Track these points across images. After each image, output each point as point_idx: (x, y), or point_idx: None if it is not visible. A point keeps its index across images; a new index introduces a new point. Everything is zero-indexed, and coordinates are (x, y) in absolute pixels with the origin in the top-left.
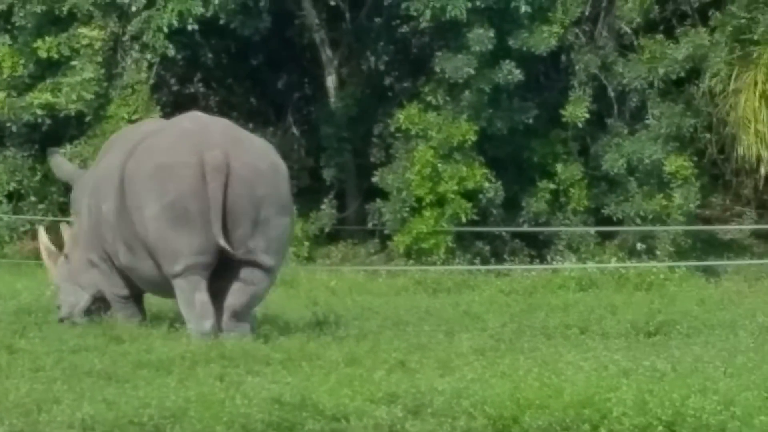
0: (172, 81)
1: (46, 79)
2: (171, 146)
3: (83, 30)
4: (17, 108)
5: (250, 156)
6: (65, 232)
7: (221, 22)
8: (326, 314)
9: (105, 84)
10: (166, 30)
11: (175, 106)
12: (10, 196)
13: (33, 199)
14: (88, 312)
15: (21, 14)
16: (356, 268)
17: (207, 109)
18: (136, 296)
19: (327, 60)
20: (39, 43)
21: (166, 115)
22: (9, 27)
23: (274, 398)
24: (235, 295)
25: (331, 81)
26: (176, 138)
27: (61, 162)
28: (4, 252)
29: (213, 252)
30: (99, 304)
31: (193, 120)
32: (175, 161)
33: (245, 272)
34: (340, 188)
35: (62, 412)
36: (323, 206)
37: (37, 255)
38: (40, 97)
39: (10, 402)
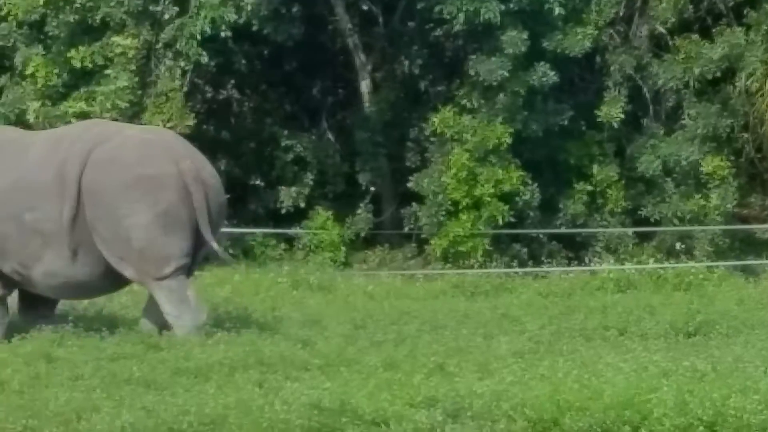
0: (206, 88)
1: (80, 88)
2: (144, 157)
3: (116, 39)
4: (52, 117)
5: (206, 165)
6: None
7: (254, 28)
8: (364, 319)
9: (139, 92)
10: (199, 37)
11: (209, 113)
12: None
13: None
14: None
15: (54, 24)
16: (393, 272)
17: (241, 116)
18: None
19: (360, 65)
20: (73, 52)
21: (200, 122)
22: (42, 37)
23: (313, 404)
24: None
25: (365, 86)
26: (144, 149)
27: None
28: None
29: (195, 253)
30: None
31: (144, 129)
32: (160, 172)
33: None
34: (375, 193)
35: (102, 421)
36: (359, 211)
37: None
38: (74, 106)
39: (49, 411)
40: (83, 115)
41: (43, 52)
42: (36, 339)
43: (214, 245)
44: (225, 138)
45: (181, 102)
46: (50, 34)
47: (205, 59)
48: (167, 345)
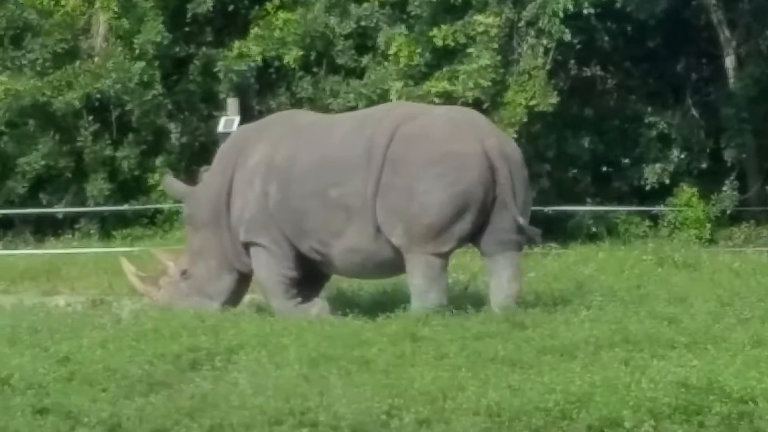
0: (570, 66)
1: (442, 67)
2: (451, 135)
3: (479, 17)
4: (414, 97)
5: (510, 142)
6: (161, 255)
7: (617, 5)
8: (730, 296)
9: (501, 70)
10: (561, 15)
11: (571, 91)
12: None
13: None
14: None
15: (416, 3)
16: (760, 249)
17: (605, 93)
18: (299, 281)
19: (725, 41)
20: (435, 31)
21: (563, 100)
22: (404, 17)
23: (680, 382)
24: (513, 285)
25: (729, 62)
26: (452, 127)
27: (171, 182)
28: None
29: (473, 234)
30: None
31: (451, 109)
32: (466, 150)
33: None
34: (741, 169)
35: (467, 399)
36: (724, 188)
37: None
38: (436, 85)
39: (415, 390)
40: (445, 95)
41: (406, 32)
42: (401, 318)
43: (520, 219)
44: (588, 116)
45: (543, 80)
46: (412, 13)
47: (568, 37)
48: (532, 323)
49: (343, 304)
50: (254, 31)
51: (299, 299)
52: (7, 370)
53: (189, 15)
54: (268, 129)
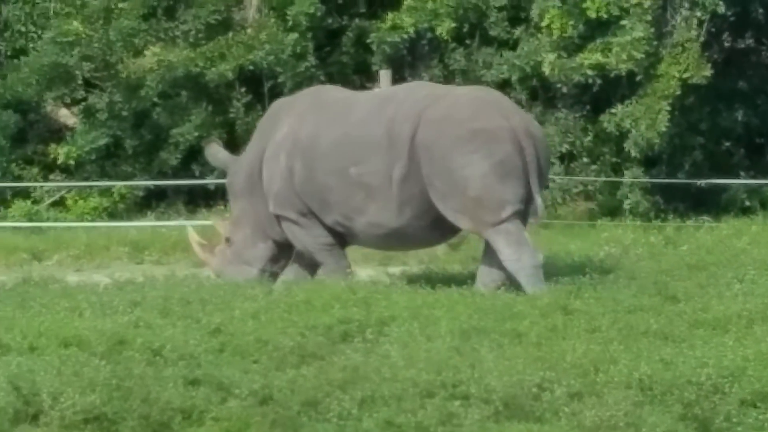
0: (723, 38)
1: (596, 39)
2: (477, 113)
3: None
4: (567, 69)
5: (533, 121)
6: (218, 224)
7: None
8: None
9: (655, 43)
10: None
11: (726, 63)
12: (562, 158)
13: (585, 160)
14: None
15: None
16: None
17: (759, 66)
18: (339, 244)
19: None
20: (588, 3)
21: (717, 72)
22: None
23: None
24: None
25: None
26: (477, 105)
27: (216, 150)
28: (557, 213)
29: (526, 202)
30: (267, 275)
31: (473, 88)
32: (493, 126)
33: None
34: None
35: (619, 372)
36: None
37: (590, 216)
38: (590, 57)
39: (567, 362)
40: (598, 67)
41: (559, 4)
42: (553, 291)
43: (538, 199)
44: (742, 88)
45: (697, 52)
46: None
47: (722, 9)
48: (684, 297)
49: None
50: (407, 2)
51: (346, 261)
52: (160, 341)
53: None
54: (297, 104)
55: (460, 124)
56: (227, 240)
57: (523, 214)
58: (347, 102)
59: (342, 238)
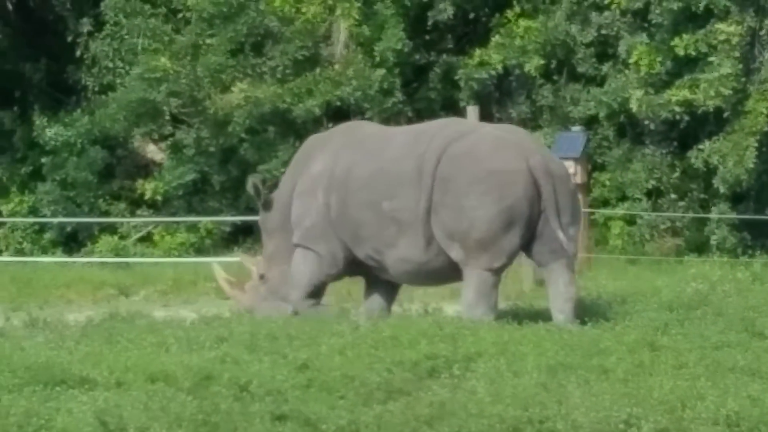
0: None
1: (683, 75)
2: (496, 153)
3: (720, 26)
4: (655, 105)
5: (554, 159)
6: (247, 260)
7: None
8: None
9: (743, 79)
10: None
11: None
12: (649, 194)
13: (672, 196)
14: None
15: (657, 12)
16: None
17: None
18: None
19: None
20: (676, 40)
21: None
22: (646, 25)
23: None
24: (569, 288)
25: None
26: (498, 145)
27: (256, 185)
28: (644, 250)
29: (527, 245)
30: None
31: (498, 127)
32: (510, 168)
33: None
34: None
35: (706, 409)
36: None
37: (677, 252)
38: (677, 94)
39: (654, 399)
40: (686, 104)
41: (647, 40)
42: (639, 327)
43: (560, 234)
44: None
45: None
46: (653, 22)
47: None
48: None
49: (581, 312)
50: (495, 39)
51: (315, 301)
52: (246, 376)
53: (429, 22)
54: (332, 139)
55: (479, 162)
56: (261, 277)
57: (508, 265)
58: (381, 137)
59: (372, 272)
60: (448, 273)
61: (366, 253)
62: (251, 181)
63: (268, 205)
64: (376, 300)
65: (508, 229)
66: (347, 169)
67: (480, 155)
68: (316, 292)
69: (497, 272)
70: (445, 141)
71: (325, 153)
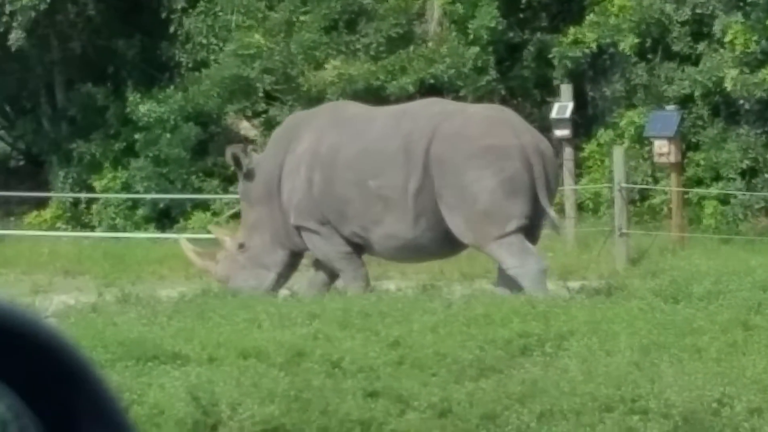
0: None
1: None
2: (488, 131)
3: None
4: (750, 85)
5: (543, 139)
6: (220, 232)
7: None
8: None
9: None
10: None
11: None
12: (743, 173)
13: (767, 175)
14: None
15: None
16: None
17: None
18: (356, 252)
19: None
20: None
21: None
22: (741, 4)
23: None
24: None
25: None
26: (488, 123)
27: (237, 155)
28: (738, 229)
29: (531, 217)
30: (282, 281)
31: (485, 107)
32: (504, 143)
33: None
34: None
35: None
36: None
37: None
38: None
39: (747, 378)
40: None
41: (742, 20)
42: (733, 307)
43: (551, 212)
44: None
45: None
46: (749, 0)
47: None
48: None
49: (674, 292)
50: (590, 17)
51: (364, 270)
52: (339, 353)
53: (524, 1)
54: (316, 118)
55: (473, 141)
56: (241, 246)
57: (529, 229)
58: (366, 117)
59: (359, 249)
60: (435, 249)
61: (352, 230)
62: (230, 152)
63: (250, 175)
64: (320, 275)
65: (511, 197)
66: (331, 148)
67: (472, 134)
68: (354, 262)
69: (516, 233)
70: (432, 121)
71: (310, 132)
